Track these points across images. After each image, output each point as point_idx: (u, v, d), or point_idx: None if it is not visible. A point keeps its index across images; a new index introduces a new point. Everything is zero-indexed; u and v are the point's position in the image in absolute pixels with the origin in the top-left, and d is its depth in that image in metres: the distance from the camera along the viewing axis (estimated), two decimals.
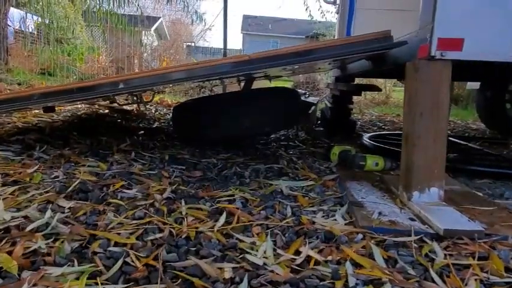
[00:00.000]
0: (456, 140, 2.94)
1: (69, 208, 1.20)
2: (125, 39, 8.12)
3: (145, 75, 1.58)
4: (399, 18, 3.65)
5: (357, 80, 4.01)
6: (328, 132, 3.34)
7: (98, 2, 7.23)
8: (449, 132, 3.90)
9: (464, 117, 5.49)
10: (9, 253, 0.89)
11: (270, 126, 2.41)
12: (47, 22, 7.91)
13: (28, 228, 1.00)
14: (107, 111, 3.65)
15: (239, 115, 2.22)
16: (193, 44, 22.99)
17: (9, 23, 7.29)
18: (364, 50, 1.46)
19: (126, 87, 1.57)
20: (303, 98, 3.54)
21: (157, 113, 4.09)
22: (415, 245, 1.11)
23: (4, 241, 0.94)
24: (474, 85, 4.09)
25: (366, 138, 2.71)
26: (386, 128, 4.05)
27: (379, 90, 3.04)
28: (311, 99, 3.77)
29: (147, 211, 1.23)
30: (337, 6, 3.73)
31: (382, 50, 1.48)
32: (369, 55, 1.69)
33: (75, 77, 7.31)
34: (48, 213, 1.11)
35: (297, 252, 1.04)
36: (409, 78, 1.42)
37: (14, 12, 8.69)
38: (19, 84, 5.01)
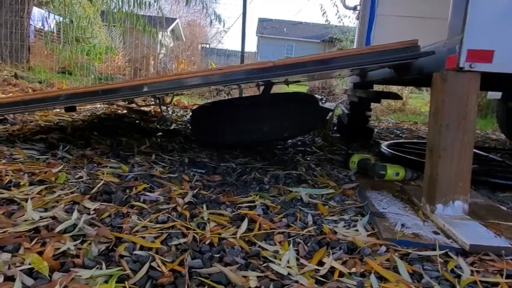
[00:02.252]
0: (476, 151, 2.88)
1: (95, 210, 1.21)
2: (144, 40, 8.23)
3: (168, 80, 1.60)
4: (421, 26, 3.64)
5: (375, 87, 3.98)
6: (345, 139, 3.32)
7: (118, 3, 7.33)
8: None
9: (484, 127, 5.39)
10: (40, 253, 0.90)
11: (288, 132, 2.40)
12: (68, 22, 8.05)
13: (57, 230, 1.02)
14: (125, 111, 3.70)
15: (257, 121, 2.22)
16: (208, 46, 23.16)
17: (30, 22, 7.45)
18: (390, 59, 1.45)
19: (150, 91, 1.59)
20: (320, 103, 3.52)
21: (174, 114, 4.13)
22: (440, 259, 1.09)
23: (34, 241, 0.96)
24: (495, 95, 4.02)
25: (384, 146, 2.68)
26: (403, 136, 4.00)
27: (400, 98, 3.01)
28: (328, 105, 3.75)
29: (170, 215, 1.24)
30: (358, 12, 3.71)
31: (408, 59, 1.47)
32: (394, 64, 1.67)
33: (93, 76, 7.42)
34: (75, 214, 1.13)
35: (320, 263, 1.04)
36: (436, 89, 1.40)
37: (35, 12, 8.88)
38: (40, 82, 5.11)
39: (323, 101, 3.75)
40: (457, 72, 1.33)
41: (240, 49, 4.81)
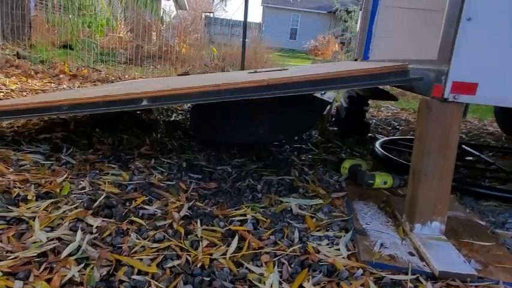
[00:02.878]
0: (468, 149, 2.94)
1: (97, 228, 1.32)
2: (145, 15, 8.12)
3: (167, 94, 1.66)
4: (423, 18, 3.61)
5: None
6: (342, 133, 3.39)
7: None
8: (463, 136, 3.90)
9: (483, 115, 5.40)
10: (48, 281, 1.01)
11: (285, 134, 2.47)
12: None
13: (63, 255, 1.12)
14: None
15: (256, 123, 2.28)
16: (212, 15, 22.70)
17: None
18: (380, 84, 1.50)
19: (149, 104, 1.66)
20: (319, 94, 3.56)
21: None
22: (411, 284, 1.20)
23: (43, 267, 1.07)
24: None
25: (377, 145, 2.75)
26: (401, 128, 4.06)
27: (396, 99, 3.05)
28: (327, 96, 3.79)
29: (165, 233, 1.35)
30: (361, 3, 3.67)
31: (397, 84, 1.52)
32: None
33: (95, 51, 7.37)
34: (79, 234, 1.23)
35: (300, 287, 1.15)
36: (421, 116, 1.46)
37: None
38: (42, 62, 5.13)
39: (322, 93, 3.77)
40: (441, 102, 1.39)
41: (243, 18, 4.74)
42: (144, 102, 1.66)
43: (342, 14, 10.08)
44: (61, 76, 4.45)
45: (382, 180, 2.01)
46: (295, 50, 26.02)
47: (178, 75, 3.88)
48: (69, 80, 4.41)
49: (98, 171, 1.82)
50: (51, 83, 4.20)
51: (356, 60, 3.74)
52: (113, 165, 1.92)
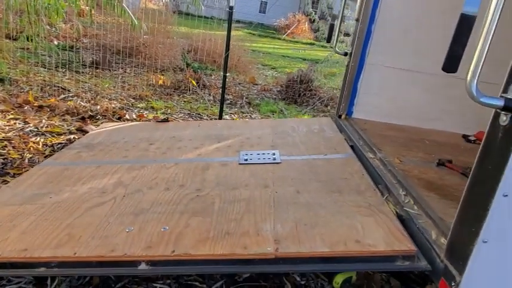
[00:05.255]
0: None
1: None
2: None
3: (166, 259, 1.58)
4: (407, 78, 3.65)
5: None
6: None
7: None
8: None
9: None
10: None
11: None
12: None
13: None
14: None
15: None
16: None
17: None
18: (385, 267, 1.52)
19: (148, 269, 1.58)
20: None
21: None
22: None
23: None
24: None
25: None
26: None
27: None
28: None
29: None
30: (348, 59, 3.61)
31: (404, 270, 1.54)
32: None
33: (56, 54, 6.75)
34: None
35: None
36: None
37: None
38: (2, 80, 4.66)
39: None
40: None
41: None
42: (143, 266, 1.58)
43: None
44: (26, 108, 4.07)
45: None
46: (264, 26, 25.42)
47: (157, 121, 3.68)
48: (36, 113, 4.04)
49: None
50: (16, 119, 3.84)
51: (340, 116, 3.74)
52: None
